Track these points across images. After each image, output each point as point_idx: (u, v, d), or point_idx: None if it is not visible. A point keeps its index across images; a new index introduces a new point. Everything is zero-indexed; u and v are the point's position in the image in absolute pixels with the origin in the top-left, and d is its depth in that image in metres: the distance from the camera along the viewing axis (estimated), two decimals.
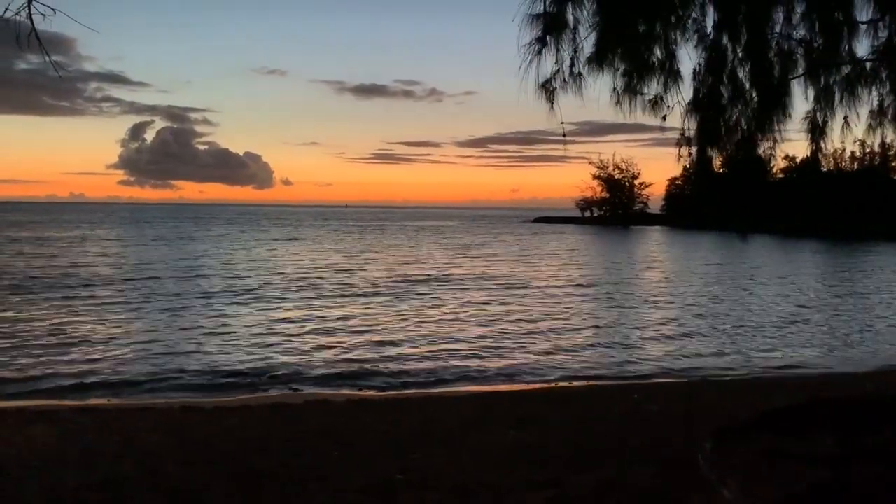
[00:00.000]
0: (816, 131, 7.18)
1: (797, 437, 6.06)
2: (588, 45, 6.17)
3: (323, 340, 15.56)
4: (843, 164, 78.90)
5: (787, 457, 5.50)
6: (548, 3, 6.02)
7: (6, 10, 4.26)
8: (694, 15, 6.71)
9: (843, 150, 63.75)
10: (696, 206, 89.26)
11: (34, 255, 36.90)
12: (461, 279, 29.08)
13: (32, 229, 69.05)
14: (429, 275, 30.58)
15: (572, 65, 6.21)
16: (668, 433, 7.41)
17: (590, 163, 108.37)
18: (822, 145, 7.35)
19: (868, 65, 6.94)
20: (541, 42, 5.99)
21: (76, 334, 15.68)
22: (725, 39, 6.76)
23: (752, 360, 14.58)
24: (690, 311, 21.19)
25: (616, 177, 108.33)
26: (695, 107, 6.69)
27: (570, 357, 14.48)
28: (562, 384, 11.79)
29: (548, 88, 6.34)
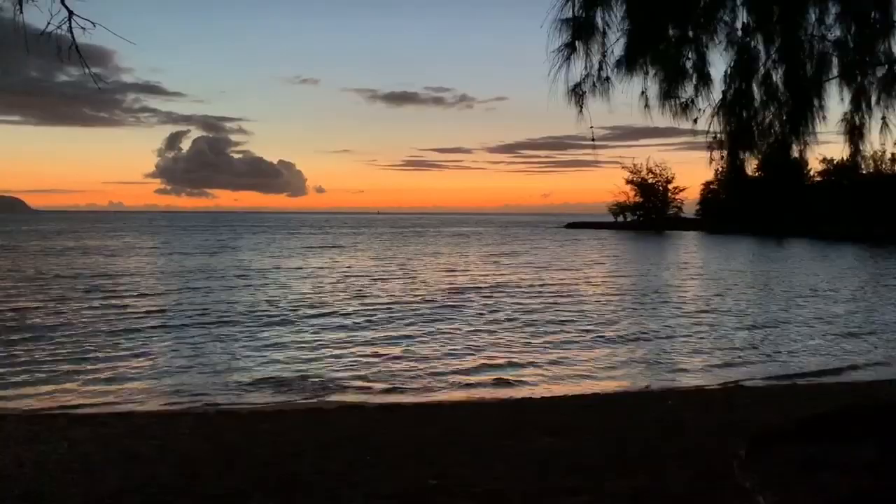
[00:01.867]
0: (854, 133, 7.06)
1: (836, 444, 5.95)
2: (617, 49, 6.17)
3: (362, 348, 15.66)
4: (884, 166, 76.96)
5: (826, 464, 5.40)
6: (577, 7, 6.03)
7: (48, 24, 4.40)
8: (725, 18, 6.65)
9: (884, 152, 62.13)
10: (731, 211, 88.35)
11: (80, 264, 37.60)
12: (505, 286, 28.75)
13: (77, 238, 70.47)
14: (475, 282, 30.26)
15: (601, 69, 6.21)
16: (704, 440, 7.32)
17: (622, 167, 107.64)
18: (860, 147, 7.22)
19: None
20: (570, 47, 6.00)
21: (116, 341, 15.97)
22: (757, 41, 6.68)
23: (789, 365, 14.31)
24: (728, 316, 20.87)
25: (649, 181, 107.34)
26: (726, 110, 6.62)
27: (604, 363, 14.38)
28: (595, 391, 11.69)
29: (577, 93, 6.34)
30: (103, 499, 5.66)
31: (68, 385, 12.16)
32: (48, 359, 14.01)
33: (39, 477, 6.35)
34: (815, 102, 6.66)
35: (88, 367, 13.39)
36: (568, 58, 6.00)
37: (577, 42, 6.01)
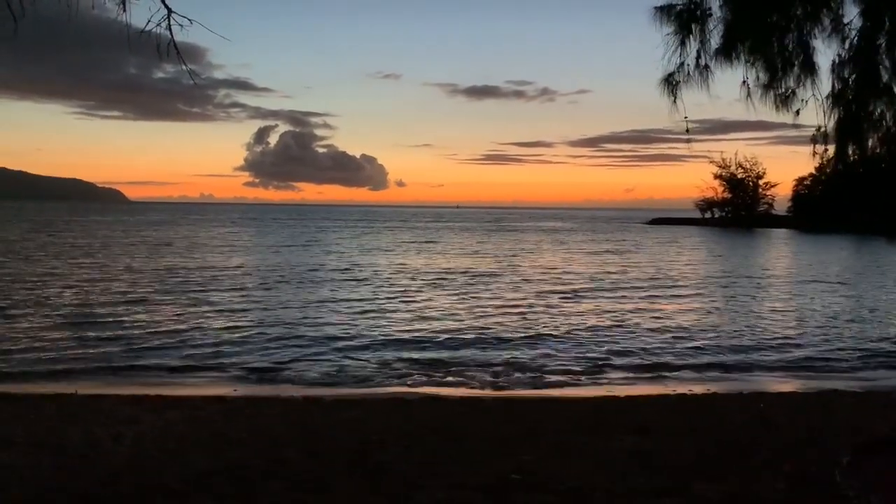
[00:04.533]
0: None
1: None
2: (716, 36, 5.94)
3: (437, 334, 15.77)
4: None
5: None
6: None
7: (148, 21, 4.57)
8: (830, 3, 6.31)
9: None
10: (829, 207, 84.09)
11: (184, 256, 38.33)
12: (612, 283, 27.99)
13: (176, 230, 73.31)
14: (581, 281, 29.13)
15: (698, 57, 5.99)
16: (798, 445, 7.01)
17: (710, 161, 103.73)
18: None
19: None
20: (674, 34, 5.81)
21: (213, 329, 16.60)
22: (867, 27, 6.31)
23: (890, 372, 13.54)
24: (826, 318, 19.92)
25: (739, 176, 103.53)
26: (834, 100, 6.28)
27: (690, 362, 13.98)
28: (679, 391, 11.37)
29: (671, 82, 6.15)
30: (196, 477, 5.88)
31: (163, 370, 12.73)
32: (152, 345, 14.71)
33: (136, 454, 6.67)
34: None
35: (184, 352, 13.99)
36: (682, 43, 5.80)
37: (675, 31, 5.82)
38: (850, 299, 24.25)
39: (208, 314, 18.47)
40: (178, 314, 18.33)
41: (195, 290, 23.14)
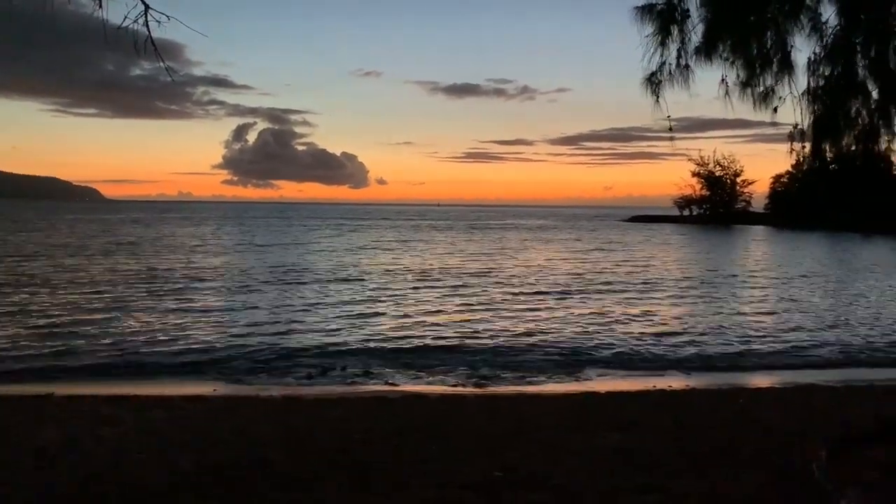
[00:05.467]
0: None
1: None
2: (696, 36, 5.99)
3: (420, 333, 15.77)
4: None
5: None
6: None
7: (125, 17, 4.53)
8: (808, 2, 6.39)
9: None
10: (805, 204, 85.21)
11: (162, 256, 37.74)
12: (596, 282, 27.96)
13: (154, 229, 72.41)
14: (566, 279, 29.04)
15: (679, 56, 6.04)
16: (779, 440, 7.10)
17: (689, 160, 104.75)
18: None
19: None
20: (655, 35, 5.85)
21: (189, 328, 16.47)
22: (843, 26, 6.39)
23: (869, 365, 13.77)
24: (804, 314, 20.18)
25: (717, 174, 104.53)
26: (810, 98, 6.36)
27: (671, 359, 14.11)
28: (660, 387, 11.46)
29: (653, 82, 6.19)
30: (181, 478, 5.83)
31: (140, 369, 12.63)
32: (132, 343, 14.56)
33: (118, 455, 6.60)
34: None
35: (161, 350, 13.87)
36: (662, 43, 5.85)
37: (656, 31, 5.86)
38: (827, 295, 24.59)
39: (188, 314, 18.30)
40: (157, 315, 18.15)
41: (175, 291, 22.91)
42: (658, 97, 6.12)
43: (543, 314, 19.39)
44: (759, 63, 6.19)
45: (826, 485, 5.27)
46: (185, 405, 9.15)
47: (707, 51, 6.00)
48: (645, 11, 5.77)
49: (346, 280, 27.28)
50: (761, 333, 16.87)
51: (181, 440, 7.18)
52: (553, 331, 16.77)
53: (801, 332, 17.09)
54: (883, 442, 6.09)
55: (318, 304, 20.70)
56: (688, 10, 5.80)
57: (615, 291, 25.00)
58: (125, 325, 16.57)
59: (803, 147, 6.77)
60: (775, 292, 25.23)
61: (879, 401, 9.61)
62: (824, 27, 6.39)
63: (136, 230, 67.74)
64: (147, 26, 4.59)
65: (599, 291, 24.88)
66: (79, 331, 15.64)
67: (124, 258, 35.06)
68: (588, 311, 20.16)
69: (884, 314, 20.13)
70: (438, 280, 27.87)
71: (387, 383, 11.81)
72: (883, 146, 6.62)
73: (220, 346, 14.39)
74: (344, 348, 14.46)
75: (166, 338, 15.13)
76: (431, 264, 35.05)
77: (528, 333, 16.42)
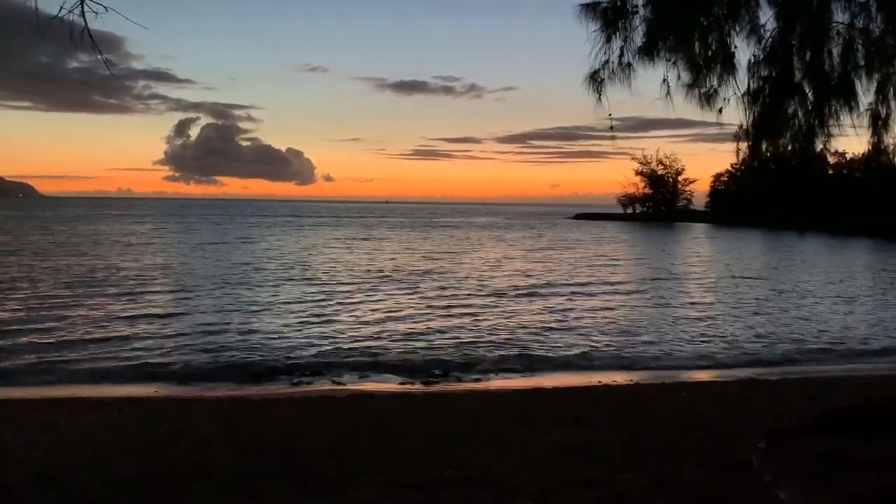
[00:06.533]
0: (878, 124, 6.93)
1: (857, 438, 5.87)
2: (639, 35, 6.06)
3: (370, 333, 15.67)
4: None
5: (848, 459, 5.33)
6: None
7: (60, 8, 4.34)
8: (748, 4, 6.53)
9: None
10: (744, 202, 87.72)
11: (101, 256, 36.76)
12: (545, 281, 28.05)
13: (93, 226, 70.40)
14: (518, 277, 29.40)
15: (622, 55, 6.11)
16: (719, 433, 7.25)
17: (632, 158, 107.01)
18: (883, 139, 7.10)
19: None
20: (599, 32, 5.90)
21: (131, 330, 16.01)
22: (781, 29, 6.56)
23: (804, 358, 14.23)
24: (740, 307, 20.79)
25: (659, 173, 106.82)
26: (751, 99, 6.51)
27: (615, 355, 14.35)
28: (606, 382, 11.64)
29: (596, 80, 6.25)
30: (118, 485, 5.64)
31: (77, 370, 12.22)
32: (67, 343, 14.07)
33: (52, 461, 6.35)
34: (840, 92, 6.54)
35: (97, 352, 13.45)
36: (608, 40, 5.89)
37: (597, 27, 5.91)
38: (764, 292, 25.34)
39: (129, 315, 17.79)
40: (97, 315, 17.60)
41: (116, 291, 22.24)
42: (600, 95, 6.18)
43: (495, 312, 19.49)
44: (704, 63, 6.30)
45: (765, 475, 5.41)
46: (124, 407, 8.88)
47: (649, 50, 6.09)
48: (589, 9, 5.82)
49: (294, 280, 26.94)
50: (700, 330, 17.27)
51: (119, 445, 6.94)
52: (503, 328, 16.86)
53: (740, 329, 17.58)
54: (820, 432, 6.29)
55: (265, 304, 20.39)
56: (635, 6, 5.86)
57: (563, 289, 25.30)
58: (64, 326, 16.01)
59: (748, 146, 6.93)
60: (713, 290, 25.88)
61: (817, 393, 9.90)
62: (762, 30, 6.55)
63: (75, 227, 65.63)
64: (83, 17, 4.41)
65: (550, 289, 25.13)
66: (11, 330, 15.06)
67: (63, 257, 33.91)
68: (539, 308, 20.36)
69: (816, 313, 20.83)
70: (389, 279, 27.76)
71: (335, 383, 11.69)
72: (819, 146, 6.82)
73: (163, 348, 14.04)
74: (293, 348, 14.26)
75: (107, 339, 14.69)
76: (383, 263, 34.88)
77: (479, 331, 16.50)
